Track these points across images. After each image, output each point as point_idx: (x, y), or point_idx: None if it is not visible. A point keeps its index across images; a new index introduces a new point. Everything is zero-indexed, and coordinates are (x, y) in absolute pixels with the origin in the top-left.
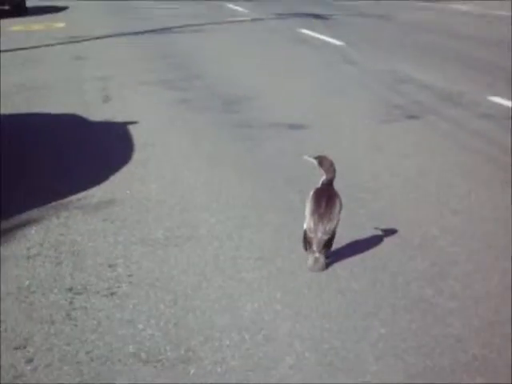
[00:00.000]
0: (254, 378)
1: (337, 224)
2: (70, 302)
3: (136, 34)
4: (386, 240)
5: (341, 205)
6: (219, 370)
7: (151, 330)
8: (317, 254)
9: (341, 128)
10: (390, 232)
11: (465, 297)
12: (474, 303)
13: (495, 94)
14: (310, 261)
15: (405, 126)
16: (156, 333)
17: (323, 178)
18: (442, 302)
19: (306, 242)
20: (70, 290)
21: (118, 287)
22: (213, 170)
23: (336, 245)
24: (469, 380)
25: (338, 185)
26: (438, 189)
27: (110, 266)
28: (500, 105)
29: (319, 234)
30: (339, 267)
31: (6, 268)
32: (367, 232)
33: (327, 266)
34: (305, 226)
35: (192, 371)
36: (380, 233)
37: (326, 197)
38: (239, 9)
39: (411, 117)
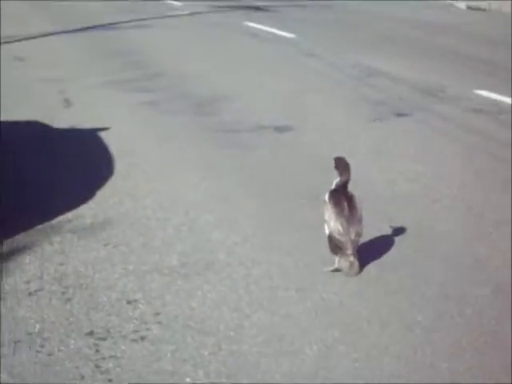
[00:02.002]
0: None
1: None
2: (96, 351)
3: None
4: (432, 261)
5: (361, 206)
6: None
7: None
8: (351, 258)
9: (329, 128)
10: (432, 252)
11: None
12: None
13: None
14: (345, 265)
15: (396, 124)
16: None
17: (337, 179)
18: None
19: (335, 247)
20: (91, 334)
21: (147, 329)
22: (209, 182)
23: (376, 268)
24: None
25: None
26: (469, 197)
27: (128, 302)
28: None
29: (353, 236)
30: (393, 295)
31: (6, 308)
32: (404, 252)
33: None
34: (328, 231)
35: None
36: (419, 252)
37: (345, 199)
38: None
39: (400, 114)
